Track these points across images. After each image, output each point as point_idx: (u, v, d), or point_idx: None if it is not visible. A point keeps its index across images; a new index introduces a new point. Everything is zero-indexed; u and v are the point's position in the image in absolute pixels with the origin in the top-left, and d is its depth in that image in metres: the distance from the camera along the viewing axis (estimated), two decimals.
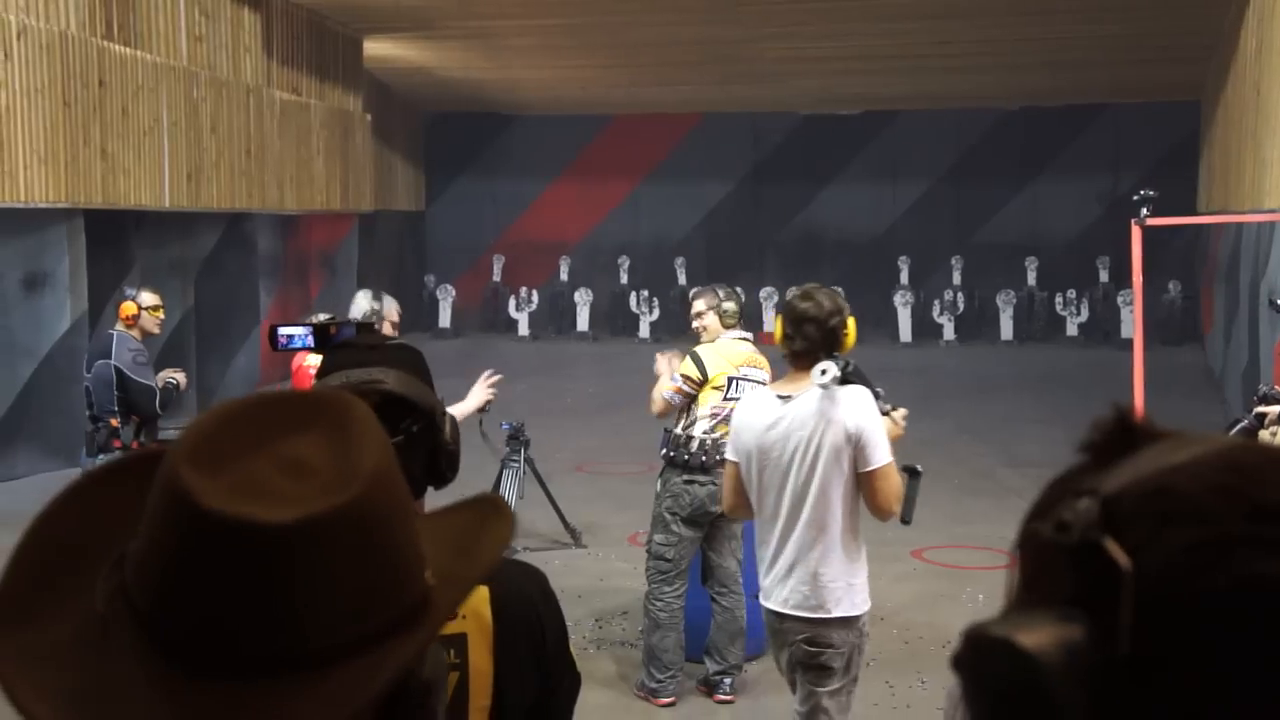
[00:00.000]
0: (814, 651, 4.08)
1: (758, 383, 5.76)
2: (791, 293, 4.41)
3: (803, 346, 3.99)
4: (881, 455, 3.94)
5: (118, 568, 0.92)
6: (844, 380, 3.91)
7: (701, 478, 5.72)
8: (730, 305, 5.96)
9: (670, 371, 5.91)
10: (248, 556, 0.86)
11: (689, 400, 5.79)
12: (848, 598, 4.03)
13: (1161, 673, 0.70)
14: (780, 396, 4.06)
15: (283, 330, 2.34)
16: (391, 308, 6.60)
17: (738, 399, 5.72)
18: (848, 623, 4.06)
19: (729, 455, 4.20)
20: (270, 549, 0.86)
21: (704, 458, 5.70)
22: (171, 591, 0.88)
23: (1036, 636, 0.71)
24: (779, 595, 4.08)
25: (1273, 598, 0.68)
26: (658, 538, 5.84)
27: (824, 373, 3.87)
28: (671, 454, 5.79)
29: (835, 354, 3.97)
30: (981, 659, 0.73)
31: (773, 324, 21.03)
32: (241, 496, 0.87)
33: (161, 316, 7.19)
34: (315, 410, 0.94)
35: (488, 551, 1.03)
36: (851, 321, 4.07)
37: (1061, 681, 0.70)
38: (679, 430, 5.81)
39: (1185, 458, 0.73)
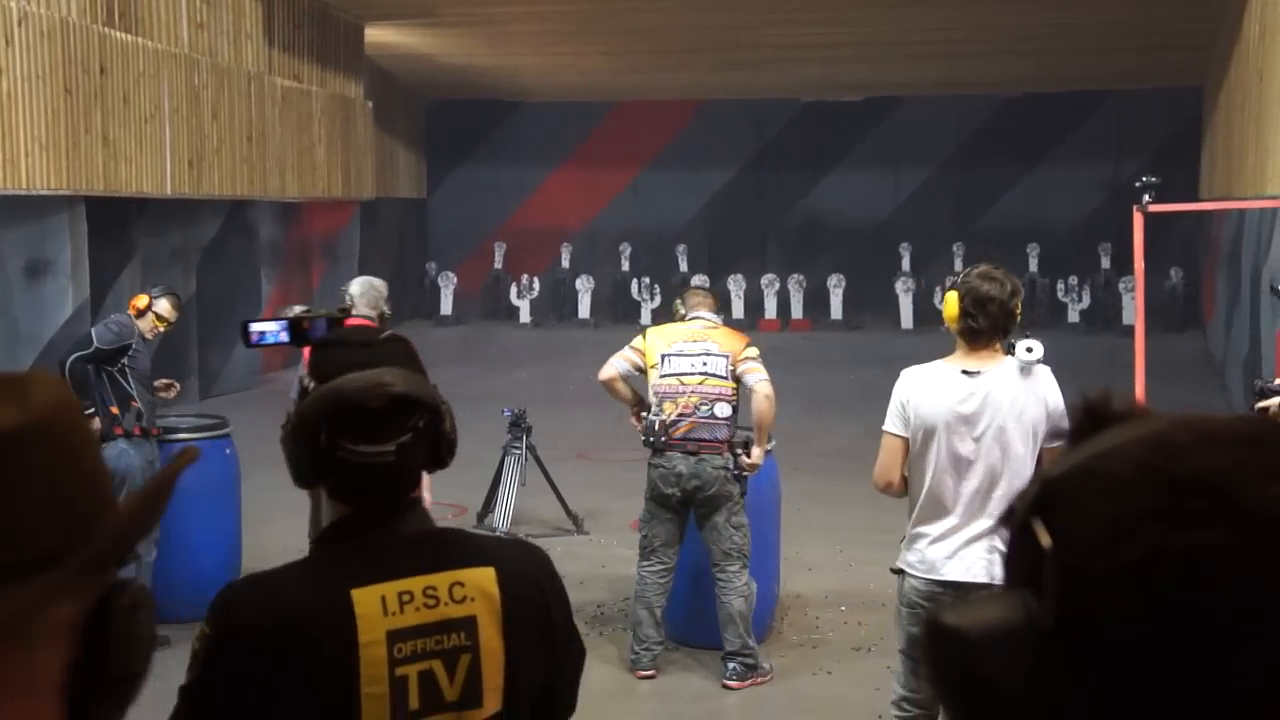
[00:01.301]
0: None
1: (693, 355, 5.92)
2: (955, 274, 4.46)
3: (986, 325, 4.09)
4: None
5: None
6: None
7: (655, 459, 5.93)
8: (677, 301, 6.39)
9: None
10: None
11: (638, 372, 6.03)
12: None
13: (1082, 648, 0.70)
14: (966, 372, 4.11)
15: (254, 326, 2.13)
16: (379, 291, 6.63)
17: (674, 375, 5.90)
18: None
19: (895, 430, 4.17)
20: None
21: (651, 438, 5.92)
22: None
23: (978, 620, 0.72)
24: (957, 567, 4.11)
25: (1176, 570, 0.68)
26: (641, 515, 6.12)
27: (1030, 350, 4.08)
28: (643, 438, 6.01)
29: (1011, 332, 4.16)
30: (935, 646, 0.74)
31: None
32: None
33: (162, 330, 7.07)
34: None
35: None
36: (1018, 302, 4.20)
37: (998, 663, 0.71)
38: (645, 414, 6.04)
39: (1124, 438, 0.74)
